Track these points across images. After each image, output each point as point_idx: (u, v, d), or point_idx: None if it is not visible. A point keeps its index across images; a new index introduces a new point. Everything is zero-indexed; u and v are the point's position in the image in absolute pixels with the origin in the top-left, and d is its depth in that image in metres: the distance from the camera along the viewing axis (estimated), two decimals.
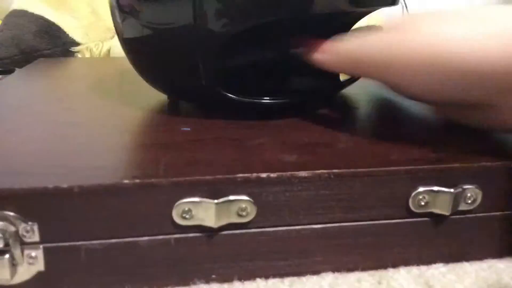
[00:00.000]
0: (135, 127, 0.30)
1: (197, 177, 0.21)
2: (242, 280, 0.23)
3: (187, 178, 0.21)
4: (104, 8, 0.68)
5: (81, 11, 0.68)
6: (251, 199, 0.21)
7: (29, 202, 0.20)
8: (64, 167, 0.22)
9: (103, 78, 0.47)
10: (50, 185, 0.19)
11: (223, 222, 0.21)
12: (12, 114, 0.33)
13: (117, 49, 0.66)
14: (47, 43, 0.68)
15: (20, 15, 0.70)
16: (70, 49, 0.68)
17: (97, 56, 0.69)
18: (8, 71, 0.80)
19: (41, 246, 0.20)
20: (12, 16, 0.71)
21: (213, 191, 0.21)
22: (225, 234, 0.22)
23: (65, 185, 0.20)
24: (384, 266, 0.24)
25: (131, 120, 0.31)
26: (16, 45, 0.68)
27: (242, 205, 0.21)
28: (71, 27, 0.69)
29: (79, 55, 0.69)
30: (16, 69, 0.81)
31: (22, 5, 0.71)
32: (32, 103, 0.36)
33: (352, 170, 0.22)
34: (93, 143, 0.26)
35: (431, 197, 0.23)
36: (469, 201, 0.23)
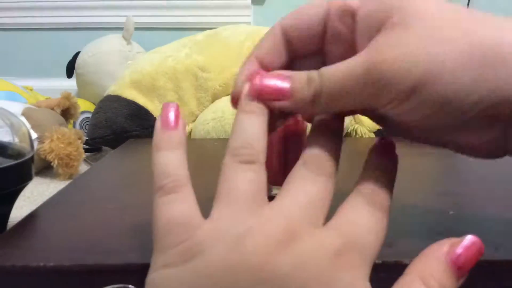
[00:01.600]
0: None
1: None
2: None
3: None
4: (188, 95, 0.75)
5: (168, 97, 0.75)
6: None
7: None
8: None
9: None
10: None
11: None
12: (118, 190, 0.36)
13: (198, 131, 0.71)
14: (137, 125, 0.74)
15: (114, 99, 0.78)
16: None
17: None
18: (97, 149, 0.88)
19: None
20: (107, 101, 0.79)
21: None
22: None
23: None
24: None
25: None
26: (109, 126, 0.75)
27: None
28: (159, 111, 0.75)
29: None
30: (103, 147, 0.89)
31: (116, 91, 0.79)
32: (133, 181, 0.40)
33: None
34: None
35: None
36: None
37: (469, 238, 0.18)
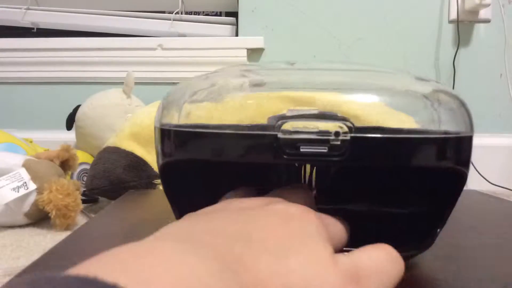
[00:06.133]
0: None
1: None
2: None
3: None
4: None
5: None
6: None
7: None
8: None
9: None
10: None
11: None
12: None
13: None
14: (134, 176, 0.76)
15: (113, 151, 0.80)
16: (153, 182, 0.76)
17: None
18: (93, 200, 0.88)
19: None
20: (106, 152, 0.81)
21: None
22: None
23: None
24: None
25: None
26: (107, 177, 0.76)
27: None
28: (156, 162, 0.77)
29: (160, 187, 0.75)
30: (100, 198, 0.89)
31: (115, 142, 0.81)
32: (134, 231, 0.41)
33: None
34: None
35: None
36: None
37: None
